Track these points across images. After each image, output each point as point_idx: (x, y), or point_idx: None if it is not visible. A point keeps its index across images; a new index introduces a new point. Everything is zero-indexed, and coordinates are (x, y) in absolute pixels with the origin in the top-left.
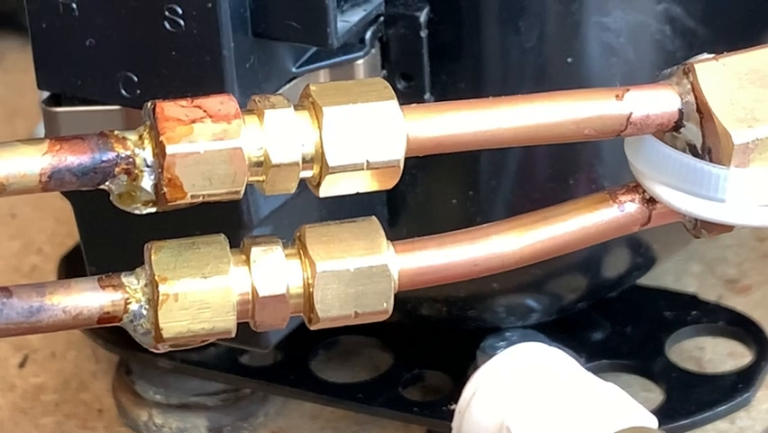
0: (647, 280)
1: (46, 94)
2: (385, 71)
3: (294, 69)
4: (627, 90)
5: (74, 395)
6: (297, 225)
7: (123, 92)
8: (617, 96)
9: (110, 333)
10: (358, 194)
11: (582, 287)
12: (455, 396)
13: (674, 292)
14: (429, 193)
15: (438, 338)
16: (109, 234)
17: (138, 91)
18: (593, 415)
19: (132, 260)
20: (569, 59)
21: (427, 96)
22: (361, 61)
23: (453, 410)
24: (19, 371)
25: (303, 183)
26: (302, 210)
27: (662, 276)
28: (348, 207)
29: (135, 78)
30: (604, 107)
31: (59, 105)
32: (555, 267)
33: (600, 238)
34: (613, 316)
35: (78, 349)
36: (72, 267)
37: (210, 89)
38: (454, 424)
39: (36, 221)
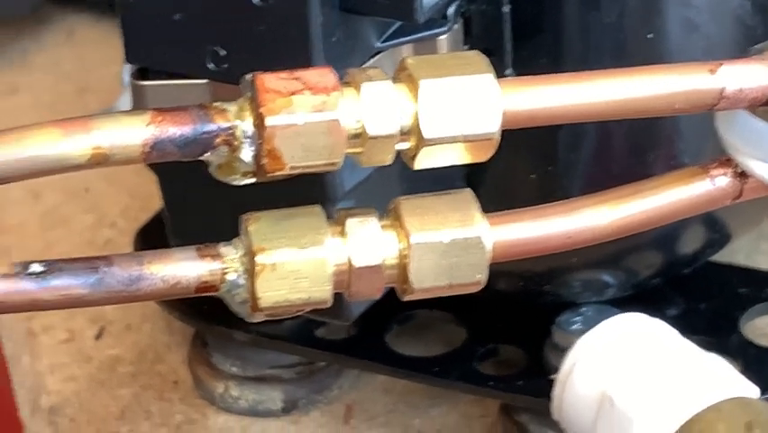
0: (719, 257)
1: (124, 69)
2: (467, 47)
3: (378, 45)
4: (721, 65)
5: (150, 367)
6: (379, 199)
7: (211, 66)
8: (710, 70)
9: (186, 306)
10: (439, 168)
11: (658, 263)
12: (530, 371)
13: (748, 269)
14: (508, 168)
15: (512, 313)
16: (195, 206)
17: (225, 65)
18: (695, 385)
19: (218, 232)
20: (649, 35)
21: (509, 71)
22: (443, 37)
23: (551, 381)
24: (95, 343)
25: None
26: (384, 184)
27: (734, 254)
28: (427, 182)
29: (223, 53)
30: (697, 81)
31: (147, 78)
32: (632, 243)
33: (692, 211)
34: (687, 292)
35: (153, 322)
36: (148, 241)
37: (296, 63)
38: (555, 393)
39: (109, 195)
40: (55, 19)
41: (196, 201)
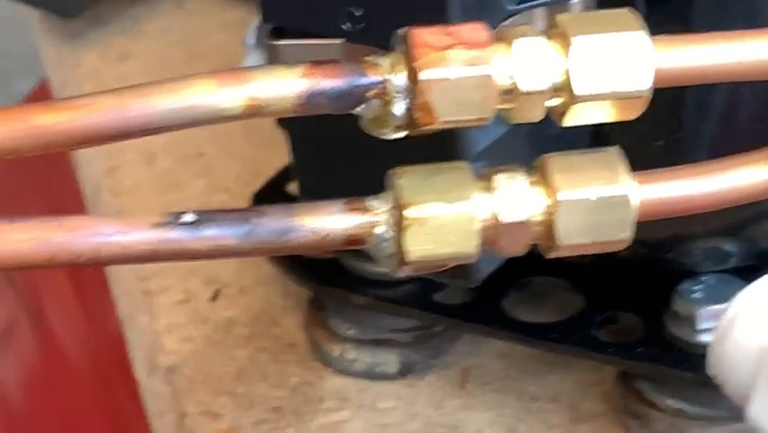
0: None
1: (249, 32)
2: None
3: (511, 7)
4: None
5: (265, 329)
6: (508, 161)
7: (347, 26)
8: None
9: (304, 269)
10: (568, 133)
11: None
12: (649, 338)
13: None
14: (634, 135)
15: (630, 281)
16: (325, 164)
17: (361, 25)
18: None
19: (348, 190)
20: None
21: None
22: (576, 1)
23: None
24: (211, 304)
25: None
26: (514, 146)
27: None
28: (555, 145)
29: (359, 13)
30: None
31: (282, 38)
32: (756, 211)
33: None
34: None
35: (268, 285)
36: (264, 204)
37: (432, 25)
38: (712, 345)
39: (222, 160)
40: None
41: (326, 159)
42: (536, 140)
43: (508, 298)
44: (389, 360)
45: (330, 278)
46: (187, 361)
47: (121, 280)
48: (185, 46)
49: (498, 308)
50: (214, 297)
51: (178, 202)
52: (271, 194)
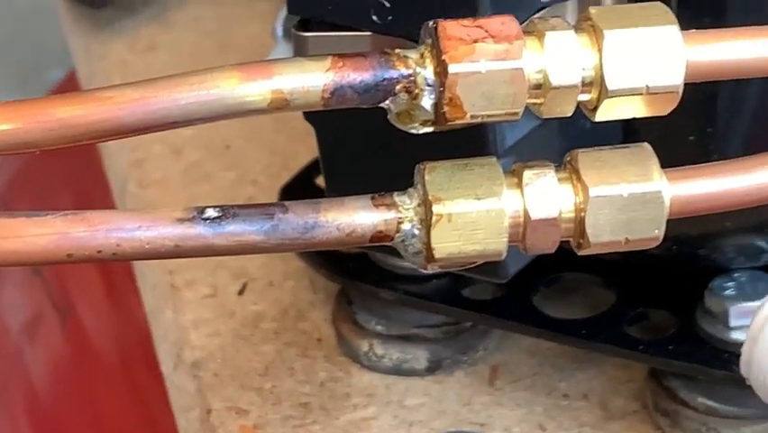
0: None
1: (277, 22)
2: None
3: (543, 0)
4: None
5: (293, 324)
6: (537, 156)
7: (375, 18)
8: None
9: (333, 264)
10: (599, 128)
11: None
12: (681, 336)
13: None
14: (666, 129)
15: (661, 278)
16: (351, 159)
17: (389, 17)
18: None
19: (375, 185)
20: None
21: None
22: None
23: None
24: (238, 298)
25: None
26: (544, 141)
27: None
28: (586, 140)
29: (387, 5)
30: None
31: (309, 30)
32: None
33: None
34: None
35: (296, 279)
36: (291, 198)
37: (462, 17)
38: (745, 348)
39: (250, 152)
40: None
41: (352, 154)
42: (567, 134)
43: (538, 293)
44: (418, 356)
45: (358, 272)
46: (214, 356)
47: (147, 273)
48: (215, 36)
49: (527, 303)
50: (242, 291)
51: (206, 195)
52: (300, 187)
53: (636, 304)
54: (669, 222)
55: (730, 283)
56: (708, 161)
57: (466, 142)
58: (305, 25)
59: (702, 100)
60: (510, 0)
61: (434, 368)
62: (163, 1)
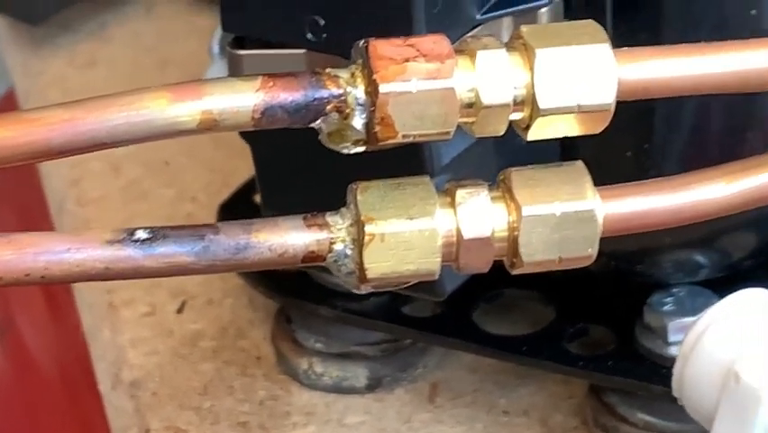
0: None
1: (213, 40)
2: (567, 20)
3: (479, 17)
4: None
5: (232, 342)
6: (474, 173)
7: (309, 36)
8: None
9: (271, 281)
10: (535, 144)
11: (752, 244)
12: (620, 351)
13: None
14: (603, 145)
15: (601, 293)
16: (288, 178)
17: (324, 35)
18: None
19: (311, 204)
20: (752, 12)
21: None
22: (544, 10)
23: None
24: (177, 317)
25: None
26: (480, 159)
27: None
28: (524, 157)
29: (322, 22)
30: None
31: (243, 48)
32: (727, 223)
33: None
34: None
35: (235, 297)
36: (230, 216)
37: (397, 35)
38: (676, 368)
39: (190, 169)
40: None
41: (289, 172)
42: (504, 151)
43: (478, 310)
44: (357, 374)
45: (297, 290)
46: (152, 375)
47: (85, 292)
48: (154, 52)
49: (467, 320)
50: (180, 309)
51: (145, 212)
52: (239, 205)
53: (576, 320)
54: (608, 237)
55: (669, 298)
56: (646, 178)
57: (402, 160)
58: (239, 43)
59: (639, 116)
60: (446, 17)
61: (373, 386)
62: (102, 17)
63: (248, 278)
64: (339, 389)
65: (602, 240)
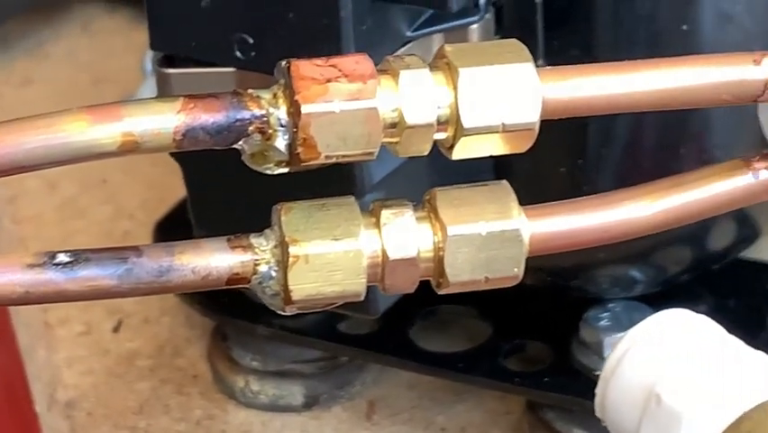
0: (748, 253)
1: (146, 57)
2: (498, 37)
3: (408, 34)
4: (765, 55)
5: (169, 361)
6: (407, 191)
7: (238, 54)
8: (754, 60)
9: (207, 299)
10: (468, 161)
11: (687, 259)
12: (557, 367)
13: None
14: (537, 161)
15: (538, 309)
16: (218, 197)
17: (252, 53)
18: (744, 383)
19: (243, 223)
20: (684, 27)
21: (540, 62)
22: (475, 27)
23: (589, 378)
24: (113, 336)
25: None
26: (412, 176)
27: (762, 250)
28: (457, 174)
29: (250, 40)
30: (741, 72)
31: (173, 66)
32: (661, 239)
33: (733, 206)
34: (716, 289)
35: (172, 315)
36: (167, 233)
37: (326, 53)
38: (599, 389)
39: (127, 186)
40: (71, 9)
41: (220, 191)
42: (438, 168)
43: (415, 326)
44: (294, 391)
45: (233, 308)
46: (87, 395)
47: (20, 311)
48: (90, 69)
49: (404, 337)
50: (117, 328)
51: (81, 230)
52: (175, 223)
53: (513, 336)
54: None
55: (605, 314)
56: (580, 194)
57: (333, 178)
58: (169, 61)
59: (573, 132)
60: (375, 34)
61: (310, 404)
62: (38, 34)
63: (184, 296)
64: (275, 407)
65: (538, 256)
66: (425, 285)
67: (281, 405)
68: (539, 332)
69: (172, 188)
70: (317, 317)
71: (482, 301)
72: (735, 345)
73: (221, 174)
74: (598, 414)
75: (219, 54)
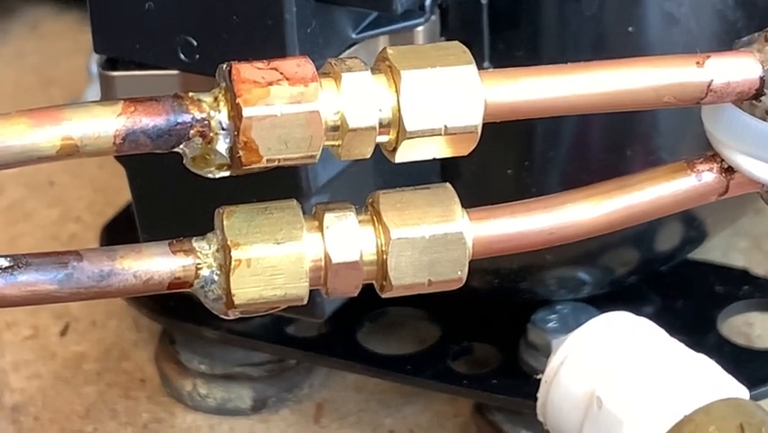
0: (696, 254)
1: (92, 60)
2: (443, 39)
3: (354, 36)
4: (708, 57)
5: (116, 364)
6: (353, 194)
7: (182, 56)
8: (697, 63)
9: (154, 302)
10: (414, 163)
11: (634, 260)
12: (504, 369)
13: (725, 267)
14: (484, 163)
15: (486, 311)
16: (164, 200)
17: (197, 56)
18: (686, 385)
19: (188, 227)
20: (630, 29)
21: (486, 64)
22: (420, 28)
23: (536, 381)
24: (60, 339)
25: None
26: (358, 179)
27: (710, 251)
28: (403, 177)
29: (194, 43)
30: (684, 74)
31: (116, 69)
32: (608, 240)
33: (677, 208)
34: (664, 290)
35: (119, 318)
36: (114, 236)
37: (270, 55)
38: (540, 393)
39: (74, 189)
40: (19, 11)
41: (165, 195)
42: (383, 171)
43: (363, 329)
44: (242, 395)
45: (180, 311)
46: (34, 399)
47: None
48: (38, 71)
49: (352, 340)
50: (64, 331)
51: (28, 234)
52: (122, 226)
53: (461, 338)
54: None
55: (552, 316)
56: (528, 195)
57: (278, 181)
58: (113, 64)
59: (519, 133)
60: (320, 37)
61: (258, 407)
62: None
63: (131, 299)
64: (223, 410)
65: (486, 258)
66: (372, 288)
67: (229, 408)
68: (487, 334)
69: (120, 190)
70: (265, 321)
71: (430, 303)
72: (676, 348)
73: (165, 177)
74: (540, 418)
75: (163, 57)
